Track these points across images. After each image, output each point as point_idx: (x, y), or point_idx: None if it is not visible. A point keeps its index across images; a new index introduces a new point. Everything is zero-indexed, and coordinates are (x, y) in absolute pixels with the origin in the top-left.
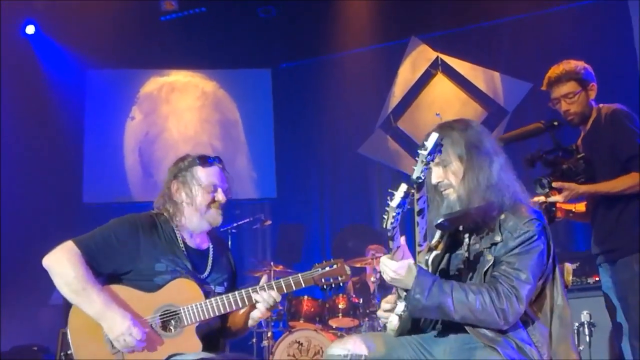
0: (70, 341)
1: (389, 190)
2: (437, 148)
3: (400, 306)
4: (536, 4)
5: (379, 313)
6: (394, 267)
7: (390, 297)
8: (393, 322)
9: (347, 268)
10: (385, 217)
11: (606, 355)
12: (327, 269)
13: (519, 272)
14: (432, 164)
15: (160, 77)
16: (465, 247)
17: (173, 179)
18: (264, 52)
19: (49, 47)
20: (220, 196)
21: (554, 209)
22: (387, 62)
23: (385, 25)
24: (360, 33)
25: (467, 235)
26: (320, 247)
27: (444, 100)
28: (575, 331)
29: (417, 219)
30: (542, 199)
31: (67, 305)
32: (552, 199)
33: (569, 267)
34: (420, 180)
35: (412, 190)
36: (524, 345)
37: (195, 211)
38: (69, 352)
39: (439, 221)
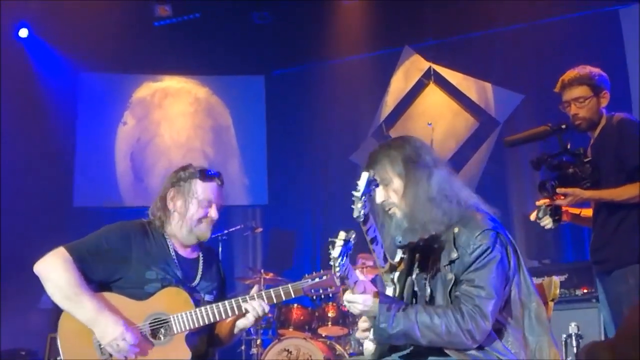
0: (59, 347)
1: (330, 240)
2: (371, 186)
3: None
4: (529, 15)
5: (358, 334)
6: (360, 299)
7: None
8: (369, 348)
9: (337, 280)
10: (332, 264)
11: None
12: (317, 280)
13: (479, 289)
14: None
15: (154, 82)
16: (422, 264)
17: (171, 186)
18: (258, 58)
19: (42, 50)
20: (213, 213)
21: (560, 212)
22: (380, 70)
23: (378, 34)
24: (354, 41)
25: (423, 253)
26: (311, 255)
27: (436, 110)
28: (563, 343)
29: (371, 247)
30: (546, 202)
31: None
32: (556, 202)
33: (555, 280)
34: (361, 219)
35: (352, 234)
36: (503, 358)
37: (185, 223)
38: (57, 358)
39: (396, 239)
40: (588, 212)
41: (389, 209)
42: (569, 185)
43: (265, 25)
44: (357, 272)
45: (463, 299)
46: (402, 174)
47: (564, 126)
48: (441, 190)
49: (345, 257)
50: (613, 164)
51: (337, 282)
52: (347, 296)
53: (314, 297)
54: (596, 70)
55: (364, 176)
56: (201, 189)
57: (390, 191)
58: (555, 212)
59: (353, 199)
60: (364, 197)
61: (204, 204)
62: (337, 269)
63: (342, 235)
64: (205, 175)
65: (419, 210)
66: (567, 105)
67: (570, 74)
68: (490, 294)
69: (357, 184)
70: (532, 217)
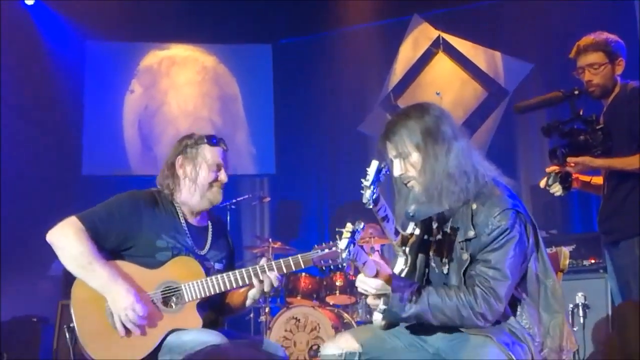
0: (72, 314)
1: (337, 230)
2: (380, 175)
3: (382, 306)
4: None
5: (369, 300)
6: (373, 284)
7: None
8: (378, 319)
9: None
10: (363, 192)
11: (601, 337)
12: (327, 251)
13: (495, 270)
14: (392, 157)
15: (160, 50)
16: (436, 238)
17: (178, 154)
18: (265, 27)
19: (48, 18)
20: (223, 176)
21: (570, 179)
22: (389, 39)
23: (387, 2)
24: (362, 9)
25: (438, 226)
26: (319, 224)
27: (445, 79)
28: (570, 312)
29: (382, 224)
30: (556, 169)
31: (67, 277)
32: (566, 169)
33: (565, 251)
34: (371, 204)
35: (360, 226)
36: (515, 331)
37: (197, 188)
38: (71, 324)
39: (408, 213)
40: (599, 180)
41: (407, 182)
42: (579, 153)
43: None
44: (375, 256)
45: (478, 280)
46: (421, 146)
47: (576, 92)
48: (460, 165)
49: (352, 246)
50: (625, 132)
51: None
52: (360, 277)
53: (323, 268)
54: (613, 37)
55: (374, 165)
56: (210, 154)
57: (408, 165)
58: (565, 179)
59: (362, 186)
60: (372, 186)
61: (213, 168)
62: (368, 196)
63: (349, 227)
64: (212, 140)
65: (436, 186)
66: (582, 71)
67: (586, 39)
68: (505, 276)
69: (366, 172)
70: (542, 184)
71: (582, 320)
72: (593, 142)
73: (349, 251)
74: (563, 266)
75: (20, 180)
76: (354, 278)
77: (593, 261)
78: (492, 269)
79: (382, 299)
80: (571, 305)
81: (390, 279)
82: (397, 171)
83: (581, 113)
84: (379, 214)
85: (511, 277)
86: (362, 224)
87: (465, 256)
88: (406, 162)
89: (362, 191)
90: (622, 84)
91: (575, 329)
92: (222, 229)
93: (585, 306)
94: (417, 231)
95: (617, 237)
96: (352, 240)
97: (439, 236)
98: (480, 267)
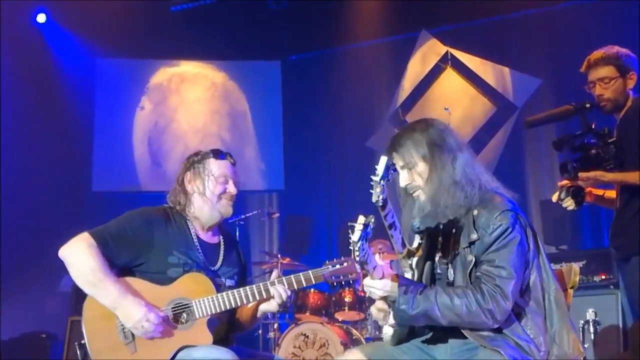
0: (84, 331)
1: (349, 224)
2: (389, 170)
3: (393, 318)
4: None
5: (373, 312)
6: (380, 285)
7: (379, 304)
8: (388, 333)
9: (357, 266)
10: (351, 249)
11: (611, 353)
12: (337, 266)
13: (500, 269)
14: (398, 168)
15: (170, 67)
16: (442, 248)
17: (186, 171)
18: (274, 43)
19: (59, 35)
20: (231, 187)
21: (582, 193)
22: (397, 55)
23: (395, 18)
24: (370, 26)
25: (443, 237)
26: (328, 240)
27: (453, 94)
28: (581, 329)
29: (389, 232)
30: (568, 183)
31: (76, 294)
32: (577, 183)
33: (575, 267)
34: (380, 204)
35: (372, 219)
36: (521, 342)
37: (207, 202)
38: (82, 341)
39: (414, 225)
40: (612, 194)
41: (413, 192)
42: (591, 167)
43: (281, 10)
44: (377, 256)
45: (484, 279)
46: (427, 157)
47: (587, 105)
48: (465, 174)
49: (365, 242)
50: (637, 146)
51: (357, 268)
52: (367, 281)
53: (334, 284)
54: (624, 51)
55: (383, 160)
56: (216, 167)
57: (415, 174)
58: (577, 193)
59: (372, 183)
60: (382, 182)
61: (220, 180)
62: (357, 253)
63: (361, 219)
64: (217, 154)
65: (442, 194)
66: (593, 85)
67: (597, 53)
68: (510, 274)
69: (375, 168)
70: (554, 198)
71: (592, 337)
72: (605, 155)
73: (362, 243)
74: (573, 282)
75: (31, 196)
76: (363, 294)
77: (603, 277)
78: (497, 267)
79: (389, 303)
80: (582, 322)
81: (397, 279)
82: (403, 181)
83: (593, 126)
84: (387, 220)
85: (516, 275)
86: (373, 217)
87: (470, 257)
88: (413, 172)
89: (371, 190)
90: (635, 98)
91: (586, 345)
92: (234, 245)
93: (596, 322)
94: (423, 244)
95: (628, 254)
96: (365, 233)
97: (445, 247)
98: (486, 267)
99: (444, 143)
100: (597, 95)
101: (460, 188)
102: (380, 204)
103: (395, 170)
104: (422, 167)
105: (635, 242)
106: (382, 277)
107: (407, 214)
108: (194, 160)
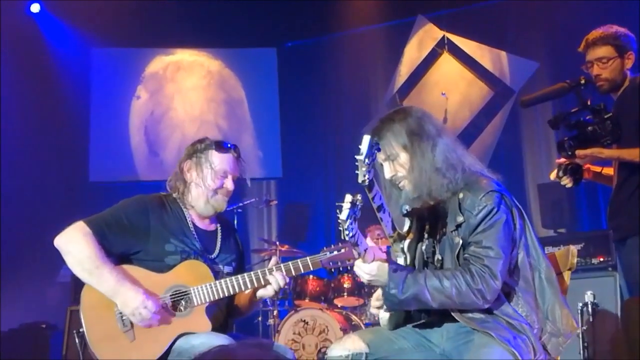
0: (82, 319)
1: (337, 204)
2: (373, 149)
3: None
4: None
5: (372, 310)
6: (367, 269)
7: (379, 293)
8: (384, 318)
9: (355, 252)
10: (340, 229)
11: (610, 335)
12: (335, 252)
13: (487, 249)
14: (381, 160)
15: (166, 56)
16: (430, 231)
17: (187, 158)
18: (270, 30)
19: (54, 25)
20: (228, 184)
21: (580, 170)
22: (394, 40)
23: (391, 4)
24: (366, 11)
25: (430, 220)
26: (326, 227)
27: (450, 79)
28: (579, 311)
29: (378, 215)
30: (566, 161)
31: (75, 283)
32: (575, 161)
33: (573, 249)
34: (366, 184)
35: (359, 197)
36: (513, 322)
37: (202, 193)
38: (80, 330)
39: (403, 210)
40: (610, 171)
41: (399, 183)
42: (588, 144)
43: None
44: (368, 239)
45: (472, 260)
46: (408, 146)
47: (582, 81)
48: (446, 159)
49: (353, 221)
50: (635, 125)
51: (355, 253)
52: (358, 263)
53: (332, 270)
54: (622, 30)
55: (366, 139)
56: (217, 160)
57: (398, 165)
58: (575, 170)
59: (357, 163)
60: (367, 160)
61: (219, 175)
62: (346, 232)
63: (348, 198)
64: (222, 146)
65: (425, 181)
66: (590, 65)
67: (595, 33)
68: (498, 254)
69: (359, 148)
70: (552, 176)
71: (591, 319)
72: (602, 131)
73: (350, 222)
74: (571, 265)
75: (28, 187)
76: (361, 280)
77: (602, 259)
78: (484, 248)
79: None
80: (580, 304)
81: (387, 264)
82: (388, 173)
83: (589, 103)
84: (375, 202)
85: (504, 255)
86: (360, 195)
87: (457, 240)
88: (395, 163)
89: (357, 171)
90: (632, 78)
91: (584, 327)
92: (231, 232)
93: (594, 304)
94: (413, 227)
95: (624, 234)
96: (352, 211)
97: (432, 230)
98: (473, 248)
99: (423, 131)
100: (594, 75)
101: (442, 174)
102: (367, 185)
103: (379, 149)
104: (404, 157)
105: (631, 222)
106: (374, 260)
107: (395, 204)
108: (197, 149)
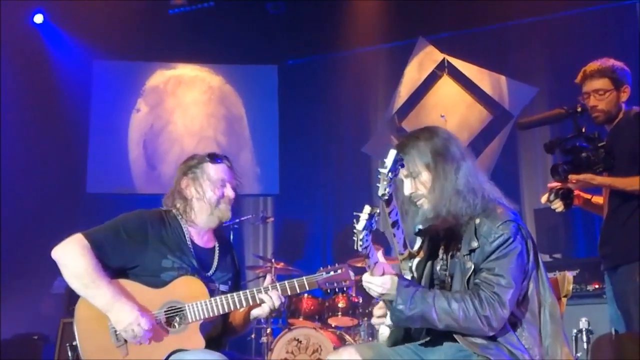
0: (75, 332)
1: (354, 213)
2: (397, 164)
3: (389, 318)
4: (544, 8)
5: (373, 320)
6: (379, 282)
7: (382, 304)
8: (384, 333)
9: (351, 273)
10: (355, 239)
11: None
12: (332, 273)
13: (499, 277)
14: (402, 176)
15: (167, 70)
16: (442, 253)
17: (183, 176)
18: (271, 48)
19: (56, 36)
20: (229, 191)
21: (571, 195)
22: (394, 61)
23: (393, 25)
24: (368, 32)
25: (444, 242)
26: (322, 245)
27: (449, 102)
28: (574, 338)
29: (392, 230)
30: (558, 185)
31: (69, 295)
32: (567, 185)
33: (569, 276)
34: (386, 197)
35: (377, 210)
36: (516, 352)
37: (205, 207)
38: (74, 343)
39: (416, 229)
40: (599, 199)
41: (417, 200)
42: (581, 170)
43: (279, 15)
44: (379, 254)
45: (482, 286)
46: (431, 166)
47: (579, 109)
48: (467, 183)
49: (368, 233)
50: (627, 155)
51: (351, 275)
52: (366, 277)
53: (328, 291)
54: (619, 64)
55: (392, 154)
56: (213, 171)
57: (419, 184)
58: (566, 195)
59: (379, 176)
60: (390, 175)
61: (218, 184)
62: (360, 243)
63: (367, 209)
64: (214, 158)
65: (446, 203)
66: (587, 96)
67: (593, 65)
68: (509, 283)
69: (384, 162)
70: (544, 199)
71: (585, 346)
72: (595, 159)
73: (365, 234)
74: (567, 291)
75: (25, 197)
76: (356, 300)
77: (597, 286)
78: (496, 275)
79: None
80: (575, 331)
81: (397, 278)
82: (407, 190)
83: (583, 130)
84: (391, 217)
85: (515, 285)
86: (378, 209)
87: (469, 264)
88: (416, 181)
89: (378, 184)
90: (626, 111)
91: (579, 354)
92: (229, 249)
93: (589, 332)
94: (424, 247)
95: (616, 262)
96: (369, 223)
97: (445, 253)
98: (485, 275)
99: (448, 152)
100: (590, 106)
101: (463, 197)
102: (386, 198)
103: (402, 165)
104: (425, 176)
105: (624, 250)
106: (383, 275)
107: (410, 220)
108: (191, 165)
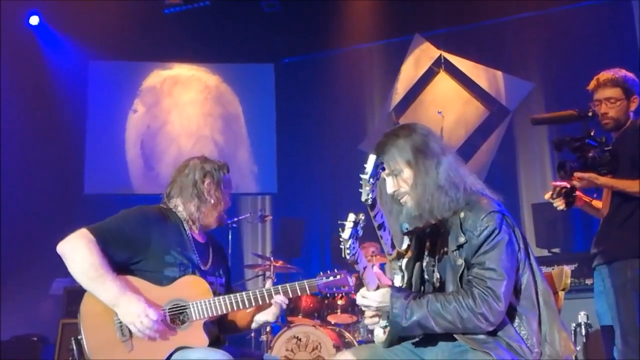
0: (80, 327)
1: (339, 222)
2: (378, 169)
3: (383, 321)
4: (540, 3)
5: (366, 321)
6: (376, 296)
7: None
8: (379, 335)
9: (350, 279)
10: (342, 247)
11: (602, 355)
12: (331, 278)
13: (490, 271)
14: (384, 175)
15: (163, 70)
16: (430, 250)
17: (207, 178)
18: (267, 46)
19: (52, 38)
20: (229, 201)
21: (574, 194)
22: (391, 58)
23: (389, 22)
24: (364, 29)
25: (431, 239)
26: (320, 243)
27: (446, 98)
28: (572, 331)
29: (379, 233)
30: (562, 184)
31: (68, 297)
32: (571, 183)
33: (567, 270)
34: (369, 203)
35: (361, 216)
36: (513, 343)
37: (215, 212)
38: (78, 337)
39: (403, 228)
40: (598, 203)
41: (401, 198)
42: (587, 169)
43: (274, 13)
44: (375, 268)
45: (475, 282)
46: (412, 163)
47: (590, 113)
48: (449, 177)
49: (355, 240)
50: (630, 160)
51: (350, 281)
52: (365, 295)
53: (327, 295)
54: (630, 75)
55: (371, 159)
56: (227, 181)
57: (401, 181)
58: (569, 194)
59: (361, 182)
60: (371, 180)
61: (228, 194)
62: (347, 251)
63: (351, 217)
64: (228, 169)
65: (427, 198)
66: (599, 103)
67: (606, 74)
68: (501, 275)
69: (364, 167)
70: (547, 196)
71: (584, 339)
72: (600, 160)
73: (352, 242)
74: (565, 285)
75: (23, 198)
76: (355, 296)
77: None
78: (487, 269)
79: (382, 314)
80: (573, 324)
81: (389, 291)
82: (390, 188)
83: (592, 134)
84: (376, 220)
85: (507, 276)
86: (363, 215)
87: (460, 261)
88: (398, 178)
89: (360, 189)
90: (633, 120)
91: (578, 348)
92: (217, 244)
93: (588, 325)
94: (412, 246)
95: (611, 257)
96: (355, 231)
97: (433, 249)
98: (476, 270)
99: (428, 148)
100: (601, 113)
101: (445, 192)
102: (370, 203)
103: (383, 168)
104: (407, 173)
105: (621, 246)
106: (377, 289)
107: (394, 219)
108: (213, 169)
